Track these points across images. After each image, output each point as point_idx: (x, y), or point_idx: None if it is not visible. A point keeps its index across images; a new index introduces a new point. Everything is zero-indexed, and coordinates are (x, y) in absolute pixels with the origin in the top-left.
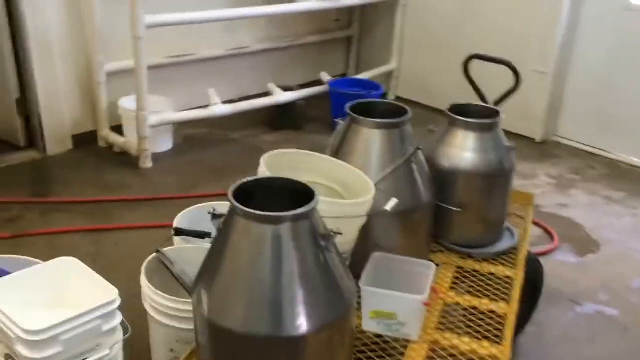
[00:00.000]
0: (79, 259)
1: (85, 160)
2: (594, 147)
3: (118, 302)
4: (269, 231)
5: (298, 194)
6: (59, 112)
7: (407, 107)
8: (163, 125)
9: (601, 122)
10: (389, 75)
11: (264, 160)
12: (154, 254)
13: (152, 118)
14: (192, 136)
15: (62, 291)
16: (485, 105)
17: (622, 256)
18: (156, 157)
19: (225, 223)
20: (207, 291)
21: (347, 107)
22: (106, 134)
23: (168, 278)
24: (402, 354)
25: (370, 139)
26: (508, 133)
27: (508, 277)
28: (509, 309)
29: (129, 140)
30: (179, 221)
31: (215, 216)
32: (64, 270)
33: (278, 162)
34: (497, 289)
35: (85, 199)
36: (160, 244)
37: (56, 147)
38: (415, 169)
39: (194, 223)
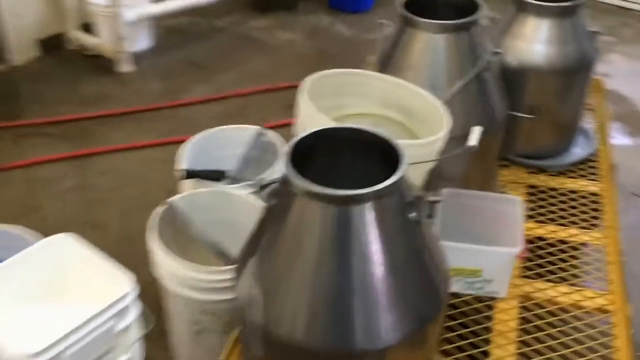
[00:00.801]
0: (63, 195)
1: (55, 68)
2: (626, 1)
3: (133, 295)
4: (343, 215)
5: (369, 145)
6: (21, 13)
7: (481, 1)
8: (141, 21)
9: None
10: None
11: (305, 87)
12: (162, 206)
13: (128, 13)
14: (173, 28)
15: (62, 281)
16: None
17: None
18: (135, 58)
19: (280, 199)
20: (259, 289)
21: (400, 3)
22: (76, 36)
23: (179, 232)
24: (487, 317)
25: (432, 46)
26: None
27: (594, 195)
28: (608, 239)
29: (101, 41)
30: (185, 154)
31: (262, 187)
32: (61, 252)
33: (320, 87)
34: (584, 212)
35: (61, 118)
36: (165, 192)
37: (21, 55)
38: (489, 80)
39: (203, 153)
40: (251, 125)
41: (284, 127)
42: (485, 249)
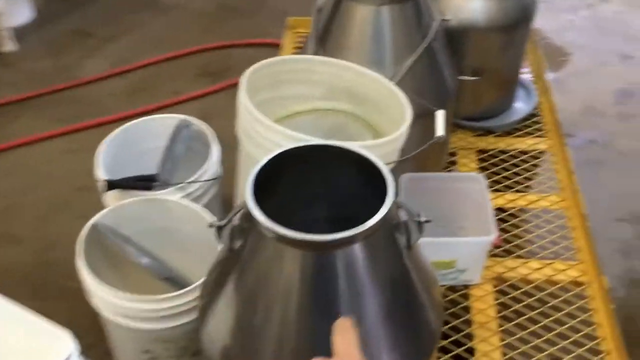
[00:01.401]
0: None
1: None
2: None
3: (76, 356)
4: (327, 260)
5: (341, 160)
6: None
7: None
8: None
9: None
10: None
11: (244, 81)
12: (88, 227)
13: None
14: None
15: None
16: None
17: (594, 63)
18: (17, 34)
19: (246, 240)
20: (234, 344)
21: None
22: None
23: (112, 252)
24: (464, 309)
25: (376, 19)
26: None
27: (544, 153)
28: (567, 202)
29: None
30: (101, 159)
31: (219, 228)
32: None
33: (261, 77)
34: (538, 174)
35: None
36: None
37: None
38: (438, 49)
39: (122, 153)
40: (167, 108)
41: (201, 99)
42: (461, 241)
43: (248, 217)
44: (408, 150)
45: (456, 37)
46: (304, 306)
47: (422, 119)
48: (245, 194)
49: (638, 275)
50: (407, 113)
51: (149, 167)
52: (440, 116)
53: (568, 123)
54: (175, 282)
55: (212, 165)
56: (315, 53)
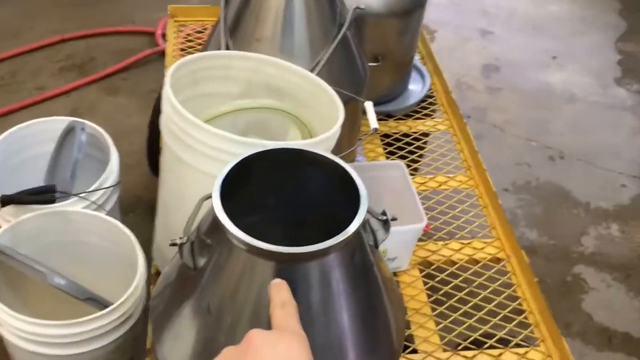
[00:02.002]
0: None
1: None
2: None
3: None
4: (303, 271)
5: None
6: None
7: None
8: None
9: None
10: None
11: (168, 82)
12: None
13: None
14: None
15: None
16: None
17: (458, 39)
18: None
19: (212, 256)
20: None
21: None
22: None
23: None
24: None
25: (290, 9)
26: None
27: (445, 133)
28: (476, 181)
29: None
30: None
31: (180, 246)
32: None
33: (181, 77)
34: (443, 154)
35: None
36: None
37: None
38: (351, 38)
39: (7, 161)
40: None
41: (69, 94)
42: (394, 230)
43: (212, 231)
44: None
45: (358, 25)
46: None
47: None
48: (214, 207)
49: (527, 242)
50: (339, 107)
51: (38, 178)
52: (370, 107)
53: None
54: (97, 302)
55: (114, 172)
56: (226, 46)
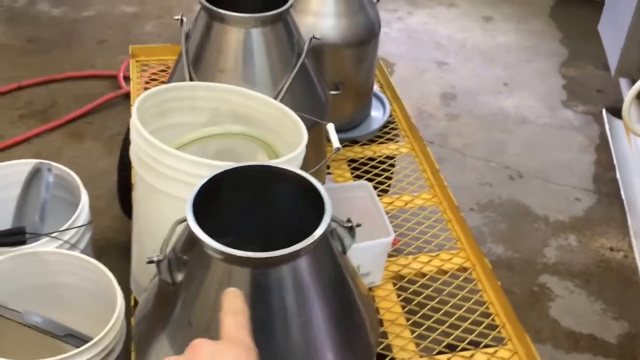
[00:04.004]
0: None
1: None
2: None
3: None
4: (278, 275)
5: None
6: None
7: None
8: None
9: None
10: None
11: (135, 112)
12: None
13: None
14: None
15: None
16: None
17: (416, 70)
18: None
19: (189, 270)
20: None
21: None
22: None
23: None
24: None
25: (250, 42)
26: None
27: (408, 155)
28: (437, 198)
29: None
30: None
31: (158, 262)
32: None
33: (147, 109)
34: (407, 175)
35: None
36: None
37: None
38: (310, 66)
39: None
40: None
41: (31, 141)
42: (364, 245)
43: (188, 247)
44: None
45: (315, 55)
46: (257, 323)
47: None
48: (189, 221)
49: (494, 257)
50: (303, 130)
51: (5, 222)
52: (332, 129)
53: None
54: (76, 338)
55: (84, 210)
56: (190, 79)
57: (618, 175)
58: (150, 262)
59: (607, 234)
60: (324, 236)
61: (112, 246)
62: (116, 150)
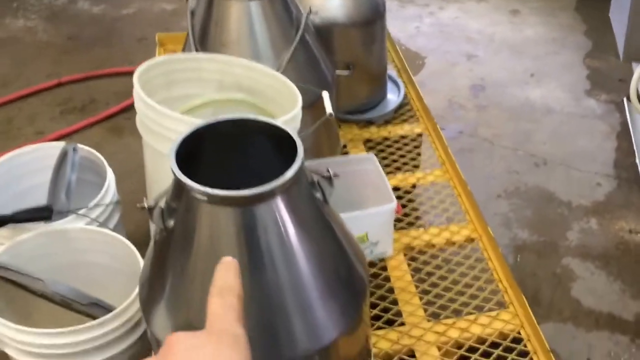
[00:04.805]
0: None
1: None
2: None
3: None
4: (259, 214)
5: (254, 135)
6: None
7: None
8: None
9: None
10: None
11: (136, 78)
12: None
13: None
14: None
15: None
16: None
17: (447, 63)
18: None
19: (178, 216)
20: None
21: None
22: None
23: (18, 294)
24: (385, 278)
25: (249, 15)
26: None
27: (421, 135)
28: (449, 174)
29: None
30: None
31: (150, 209)
32: None
33: (152, 79)
34: (420, 154)
35: None
36: None
37: None
38: (312, 41)
39: (4, 190)
40: (41, 142)
41: (71, 137)
42: (367, 212)
43: (176, 193)
44: (304, 141)
45: (323, 34)
46: (243, 260)
47: (311, 109)
48: (170, 166)
49: (520, 242)
50: (298, 97)
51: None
52: (326, 96)
53: (437, 118)
54: (101, 307)
55: (110, 188)
56: (195, 52)
57: (637, 161)
58: (142, 207)
59: (626, 217)
60: (298, 179)
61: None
62: None
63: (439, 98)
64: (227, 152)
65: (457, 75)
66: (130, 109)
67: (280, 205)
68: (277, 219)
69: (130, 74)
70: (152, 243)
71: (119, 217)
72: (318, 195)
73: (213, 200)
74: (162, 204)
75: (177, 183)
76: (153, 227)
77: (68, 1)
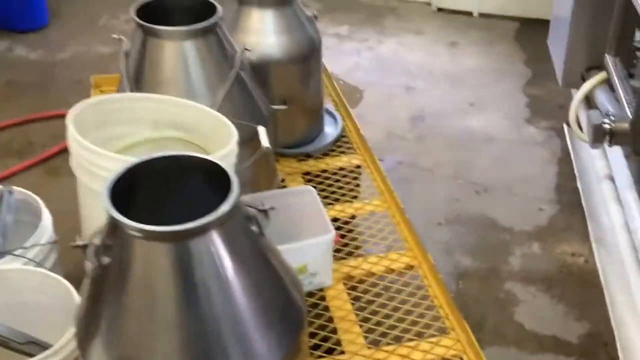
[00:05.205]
0: None
1: None
2: None
3: None
4: (194, 249)
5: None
6: None
7: (214, 2)
8: None
9: None
10: None
11: (70, 119)
12: None
13: None
14: None
15: None
16: None
17: (385, 95)
18: None
19: (113, 253)
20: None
21: (133, 12)
22: None
23: None
24: (325, 308)
25: (183, 54)
26: None
27: (359, 167)
28: (387, 204)
29: None
30: None
31: (83, 247)
32: None
33: (86, 119)
34: (358, 185)
35: None
36: None
37: None
38: (246, 78)
39: None
40: None
41: (10, 179)
42: (305, 243)
43: (111, 230)
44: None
45: (260, 71)
46: (180, 294)
47: (248, 145)
48: (104, 204)
49: (462, 268)
50: (233, 133)
51: None
52: (262, 131)
53: (376, 149)
54: (39, 345)
55: (47, 228)
56: (130, 91)
57: (579, 185)
58: (76, 246)
59: (568, 241)
60: (234, 213)
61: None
62: None
63: (378, 130)
64: (162, 189)
65: (396, 107)
66: (66, 150)
67: (215, 239)
68: (213, 252)
69: (65, 116)
70: (86, 280)
71: (56, 256)
72: (254, 228)
73: (148, 236)
74: (97, 241)
75: (112, 220)
76: (88, 265)
77: (5, 49)
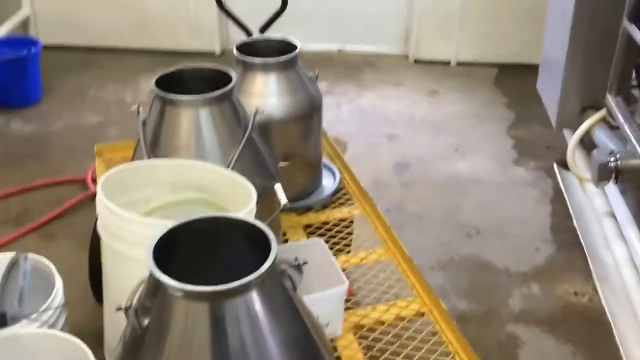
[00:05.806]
0: None
1: None
2: None
3: None
4: (234, 308)
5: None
6: None
7: (229, 70)
8: None
9: None
10: (25, 24)
11: (100, 187)
12: None
13: None
14: None
15: None
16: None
17: (369, 145)
18: None
19: (153, 314)
20: None
21: (154, 83)
22: None
23: None
24: (337, 359)
25: (199, 121)
26: None
27: (360, 217)
28: (391, 252)
29: None
30: None
31: (126, 310)
32: None
33: (110, 187)
34: (360, 235)
35: None
36: None
37: None
38: (257, 139)
39: None
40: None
41: (8, 245)
42: (321, 295)
43: (150, 292)
44: None
45: (263, 129)
46: (217, 353)
47: (259, 201)
48: (149, 266)
49: (459, 312)
50: (252, 191)
51: None
52: (279, 187)
53: None
54: None
55: (59, 293)
56: (148, 158)
57: (575, 224)
58: (119, 309)
59: (569, 280)
60: (272, 271)
61: (86, 333)
62: (87, 245)
63: (363, 179)
64: (195, 249)
65: (380, 156)
66: (62, 216)
67: (254, 297)
68: (251, 311)
69: (60, 184)
70: (121, 343)
71: (65, 318)
72: (288, 284)
73: (190, 296)
74: (135, 303)
75: (154, 282)
76: (127, 328)
77: (2, 124)
